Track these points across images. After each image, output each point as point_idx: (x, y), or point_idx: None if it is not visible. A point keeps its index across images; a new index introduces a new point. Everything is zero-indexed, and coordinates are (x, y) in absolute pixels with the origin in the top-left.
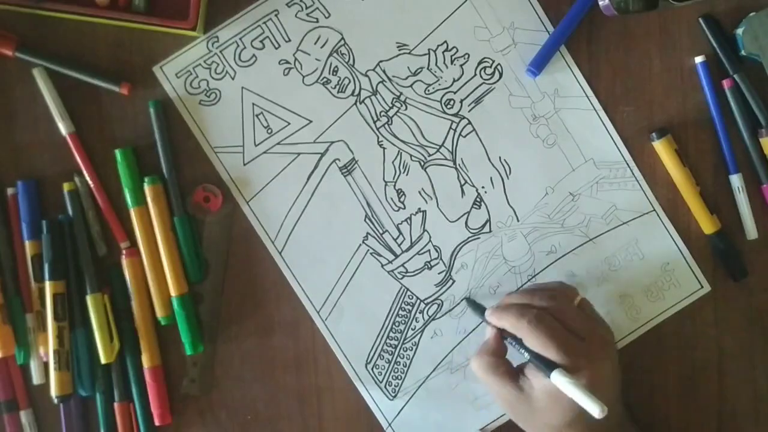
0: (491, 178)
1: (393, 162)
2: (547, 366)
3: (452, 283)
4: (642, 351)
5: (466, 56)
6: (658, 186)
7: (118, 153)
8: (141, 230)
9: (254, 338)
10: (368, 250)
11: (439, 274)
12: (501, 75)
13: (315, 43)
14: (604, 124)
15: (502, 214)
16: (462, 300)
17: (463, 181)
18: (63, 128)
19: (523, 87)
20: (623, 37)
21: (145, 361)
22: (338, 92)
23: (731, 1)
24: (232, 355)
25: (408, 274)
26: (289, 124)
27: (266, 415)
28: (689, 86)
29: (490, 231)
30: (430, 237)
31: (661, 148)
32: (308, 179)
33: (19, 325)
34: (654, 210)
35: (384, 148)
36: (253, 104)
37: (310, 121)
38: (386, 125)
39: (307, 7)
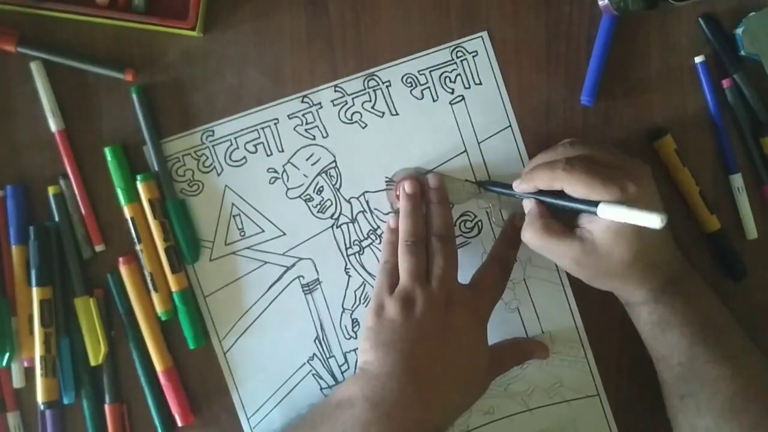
0: None
1: (355, 291)
2: (595, 205)
3: None
4: (642, 350)
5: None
6: (658, 186)
7: (107, 151)
8: (136, 229)
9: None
10: (311, 370)
11: None
12: (480, 231)
13: (306, 160)
14: (568, 303)
15: None
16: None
17: None
18: (53, 124)
19: None
20: (622, 36)
21: (159, 365)
22: (318, 212)
23: (731, 1)
24: None
25: None
26: (263, 231)
27: None
28: (689, 86)
29: None
30: None
31: (661, 148)
32: (269, 289)
33: (5, 328)
34: (598, 395)
35: (350, 276)
36: (233, 204)
37: (284, 234)
38: (357, 254)
39: (307, 123)
